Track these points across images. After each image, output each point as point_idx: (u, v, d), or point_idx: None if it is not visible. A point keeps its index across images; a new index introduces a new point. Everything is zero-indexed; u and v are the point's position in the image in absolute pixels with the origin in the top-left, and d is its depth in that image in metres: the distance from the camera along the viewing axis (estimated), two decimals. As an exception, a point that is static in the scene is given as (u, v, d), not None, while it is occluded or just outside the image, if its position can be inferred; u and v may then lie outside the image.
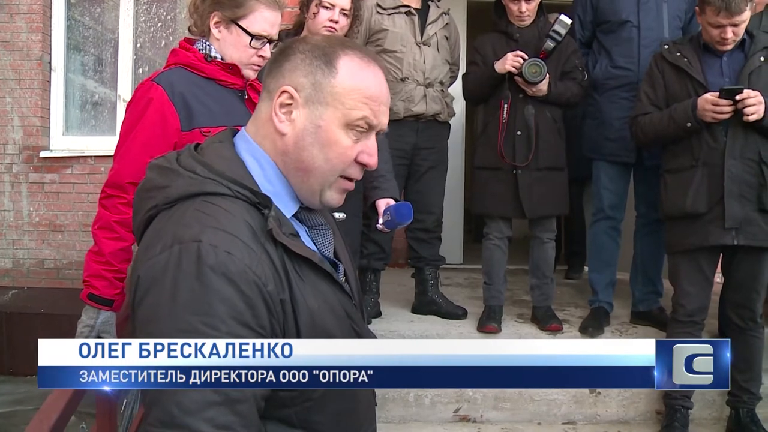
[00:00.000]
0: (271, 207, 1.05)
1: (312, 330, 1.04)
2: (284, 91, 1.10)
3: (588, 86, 3.39)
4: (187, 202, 1.04)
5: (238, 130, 1.18)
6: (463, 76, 3.54)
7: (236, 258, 0.98)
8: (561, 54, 3.30)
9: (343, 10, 2.77)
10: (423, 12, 3.46)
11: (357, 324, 1.15)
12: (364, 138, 1.11)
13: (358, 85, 1.09)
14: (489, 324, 3.27)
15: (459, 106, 5.21)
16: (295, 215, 1.15)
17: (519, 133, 3.24)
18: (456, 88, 3.75)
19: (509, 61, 3.15)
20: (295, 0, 3.15)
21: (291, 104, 1.10)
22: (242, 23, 2.02)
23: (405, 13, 3.41)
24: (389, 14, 3.40)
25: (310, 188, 1.12)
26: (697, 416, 2.97)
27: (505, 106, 3.21)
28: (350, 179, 1.14)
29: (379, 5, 3.40)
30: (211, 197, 1.04)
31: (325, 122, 1.09)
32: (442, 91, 3.48)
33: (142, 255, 1.04)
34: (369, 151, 1.12)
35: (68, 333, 4.47)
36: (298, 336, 1.03)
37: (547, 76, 3.14)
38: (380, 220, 2.47)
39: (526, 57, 3.13)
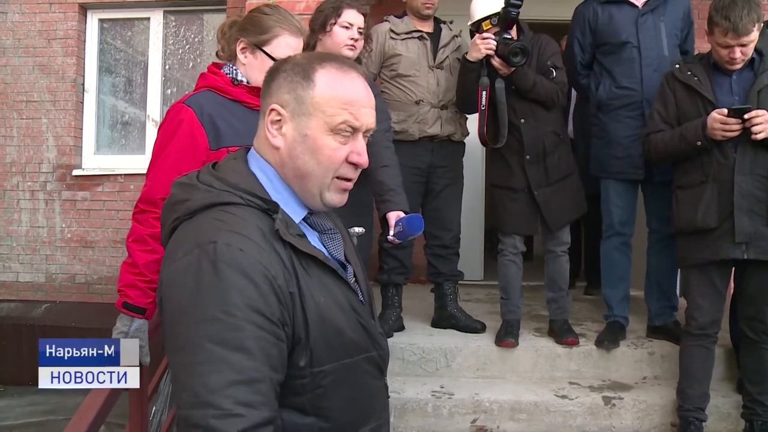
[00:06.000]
0: (279, 211, 1.17)
1: (320, 321, 1.15)
2: (272, 110, 1.22)
3: (565, 85, 3.40)
4: (205, 212, 1.16)
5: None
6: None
7: (248, 254, 1.09)
8: (542, 52, 3.35)
9: (359, 28, 2.89)
10: (435, 35, 3.56)
11: (363, 318, 1.25)
12: (352, 140, 1.22)
13: (336, 93, 1.20)
14: (506, 339, 3.34)
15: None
16: (305, 220, 1.26)
17: (528, 157, 3.30)
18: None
19: (482, 46, 3.20)
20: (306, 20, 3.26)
21: (280, 120, 1.21)
22: (266, 48, 2.14)
23: (418, 38, 3.51)
24: (402, 39, 3.50)
25: (309, 192, 1.23)
26: (711, 429, 2.97)
27: (484, 93, 3.25)
28: (347, 179, 1.24)
29: (392, 30, 3.49)
30: (226, 206, 1.16)
31: (311, 130, 1.19)
32: (456, 112, 3.55)
33: (166, 260, 1.17)
34: (357, 150, 1.22)
35: (98, 345, 4.61)
36: (306, 325, 1.13)
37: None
38: (391, 232, 2.55)
39: (493, 37, 3.18)
